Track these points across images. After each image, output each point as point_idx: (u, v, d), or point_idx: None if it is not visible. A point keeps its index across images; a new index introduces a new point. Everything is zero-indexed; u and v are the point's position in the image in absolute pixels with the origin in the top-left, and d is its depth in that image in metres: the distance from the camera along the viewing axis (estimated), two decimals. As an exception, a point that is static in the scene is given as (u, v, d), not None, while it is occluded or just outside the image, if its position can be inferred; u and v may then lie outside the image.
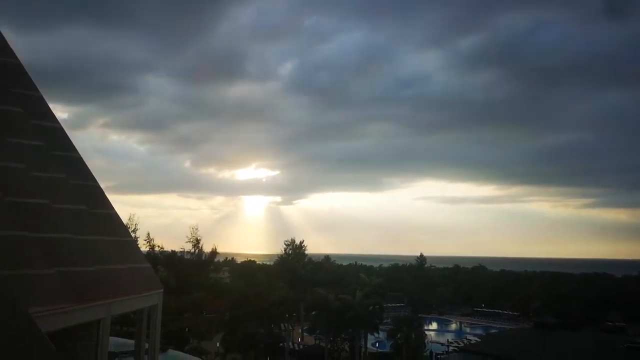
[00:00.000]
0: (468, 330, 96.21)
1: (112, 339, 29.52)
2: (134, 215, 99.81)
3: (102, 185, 28.16)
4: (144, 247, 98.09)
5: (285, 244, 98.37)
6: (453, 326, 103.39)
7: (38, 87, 26.33)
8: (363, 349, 60.44)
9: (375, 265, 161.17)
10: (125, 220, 68.37)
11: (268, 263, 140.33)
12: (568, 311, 79.91)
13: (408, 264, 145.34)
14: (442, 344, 74.97)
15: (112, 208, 28.25)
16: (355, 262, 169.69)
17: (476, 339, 74.77)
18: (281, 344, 63.20)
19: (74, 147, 26.65)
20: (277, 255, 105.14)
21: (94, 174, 27.08)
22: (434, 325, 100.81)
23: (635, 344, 70.72)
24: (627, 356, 56.08)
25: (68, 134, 26.88)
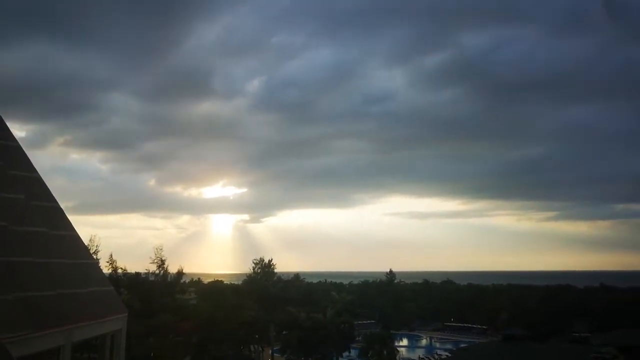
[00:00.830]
0: (438, 345, 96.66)
1: (73, 367, 28.11)
2: (95, 236, 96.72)
3: (63, 205, 27.10)
4: (106, 269, 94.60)
5: (253, 262, 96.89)
6: (424, 342, 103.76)
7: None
8: (335, 368, 59.80)
9: (345, 282, 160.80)
10: (86, 241, 65.89)
11: (236, 283, 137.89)
12: (535, 323, 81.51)
13: (378, 280, 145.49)
14: (414, 360, 75.06)
15: (73, 229, 27.15)
16: (325, 280, 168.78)
17: (447, 354, 75.15)
18: (251, 366, 61.82)
19: (32, 166, 25.60)
20: (246, 274, 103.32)
21: (54, 194, 26.05)
22: (405, 342, 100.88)
23: (600, 354, 72.61)
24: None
25: (27, 153, 25.87)
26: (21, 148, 25.41)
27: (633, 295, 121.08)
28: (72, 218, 27.06)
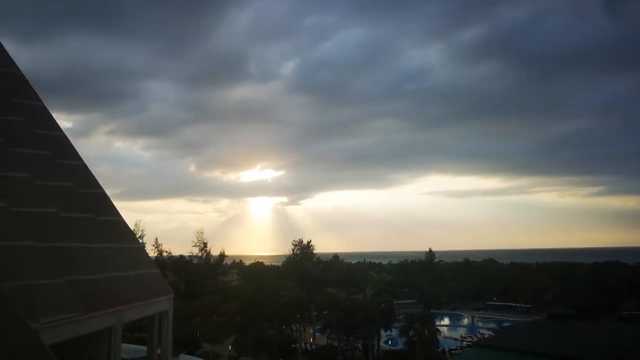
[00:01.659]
0: (480, 324, 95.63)
1: (124, 345, 29.38)
2: (140, 221, 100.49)
3: (108, 192, 28.03)
4: (152, 253, 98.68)
5: (293, 244, 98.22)
6: (465, 321, 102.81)
7: (41, 97, 26.26)
8: (376, 347, 60.03)
9: (384, 262, 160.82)
10: (132, 226, 68.29)
11: (276, 264, 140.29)
12: (582, 301, 79.06)
13: (417, 260, 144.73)
14: (456, 339, 74.49)
15: (119, 215, 28.09)
16: (364, 260, 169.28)
17: (490, 333, 74.22)
18: (293, 345, 62.95)
19: (78, 155, 26.51)
20: (286, 256, 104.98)
21: (99, 181, 26.96)
22: (446, 321, 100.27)
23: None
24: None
25: (72, 143, 26.80)
26: (67, 137, 26.30)
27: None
28: (117, 204, 27.99)
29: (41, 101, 25.69)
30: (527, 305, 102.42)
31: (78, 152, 26.37)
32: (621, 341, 54.73)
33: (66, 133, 26.63)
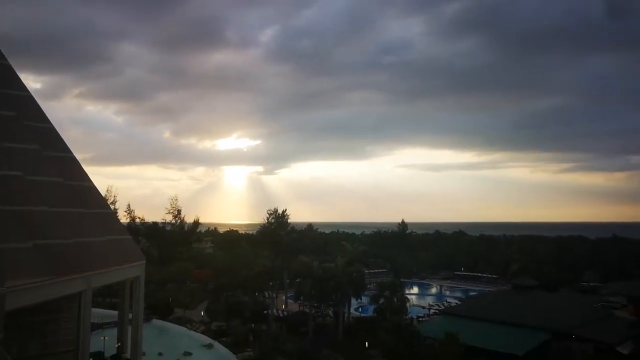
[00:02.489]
0: (448, 293, 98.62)
1: (95, 310, 29.38)
2: (112, 187, 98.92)
3: (79, 157, 27.48)
4: (124, 219, 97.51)
5: (267, 213, 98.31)
6: (434, 290, 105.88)
7: (7, 57, 25.17)
8: (346, 314, 61.54)
9: (358, 232, 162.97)
10: (103, 192, 67.11)
11: (251, 232, 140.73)
12: (545, 273, 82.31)
13: (390, 231, 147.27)
14: (423, 308, 76.80)
15: (89, 180, 27.60)
16: (338, 230, 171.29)
17: (456, 301, 76.73)
18: (266, 311, 63.94)
19: (46, 117, 25.74)
20: (260, 224, 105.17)
21: (70, 145, 26.33)
22: (416, 290, 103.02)
23: (609, 303, 73.66)
24: (600, 313, 58.38)
25: (41, 105, 25.96)
26: (34, 98, 25.46)
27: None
28: (88, 169, 27.50)
29: (6, 60, 24.68)
30: (493, 276, 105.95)
31: (46, 114, 25.63)
32: (579, 310, 57.53)
33: (34, 95, 25.77)
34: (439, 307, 75.17)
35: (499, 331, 48.87)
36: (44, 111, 25.50)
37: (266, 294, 70.58)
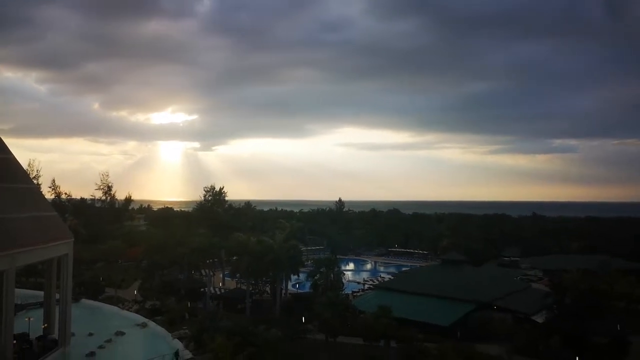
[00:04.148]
0: (382, 269, 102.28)
1: (19, 290, 27.87)
2: (34, 160, 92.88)
3: (-4, 127, 25.57)
4: (48, 195, 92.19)
5: (204, 190, 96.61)
6: (368, 266, 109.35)
7: None
8: (284, 291, 62.25)
9: (296, 210, 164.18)
10: (24, 165, 62.98)
11: (187, 210, 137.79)
12: (472, 248, 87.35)
13: (327, 209, 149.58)
14: (358, 283, 79.29)
15: (9, 152, 25.82)
16: (276, 208, 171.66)
17: (390, 276, 79.81)
18: (202, 289, 63.32)
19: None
20: (196, 202, 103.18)
21: (-15, 114, 24.38)
22: (351, 266, 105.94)
23: (527, 276, 79.66)
24: (519, 286, 63.07)
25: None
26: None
27: (561, 224, 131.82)
28: (7, 141, 25.70)
29: None
30: (425, 252, 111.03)
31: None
32: (501, 283, 61.81)
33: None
34: (373, 282, 77.90)
35: (427, 304, 51.57)
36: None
37: (203, 271, 69.78)
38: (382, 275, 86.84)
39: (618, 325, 43.29)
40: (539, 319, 48.34)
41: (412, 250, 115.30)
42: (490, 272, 71.25)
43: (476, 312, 49.76)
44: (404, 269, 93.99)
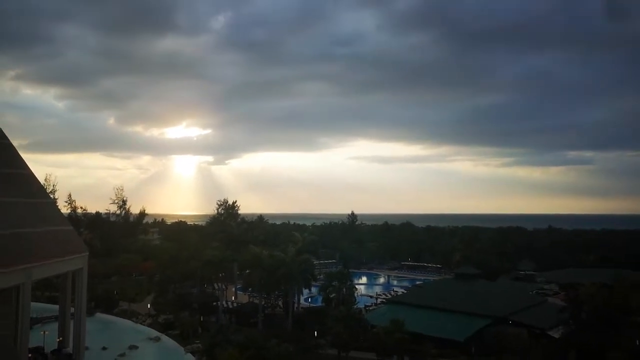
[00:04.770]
0: (395, 283, 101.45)
1: (34, 304, 28.18)
2: (50, 175, 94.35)
3: (15, 143, 26.13)
4: (64, 209, 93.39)
5: (217, 204, 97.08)
6: (381, 280, 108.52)
7: None
8: (296, 305, 62.04)
9: (309, 223, 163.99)
10: (41, 180, 63.97)
11: (200, 224, 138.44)
12: (485, 262, 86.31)
13: (340, 222, 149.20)
14: (371, 297, 78.70)
15: (27, 167, 26.34)
16: (289, 221, 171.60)
17: (403, 290, 79.11)
18: (215, 303, 63.38)
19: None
20: (210, 215, 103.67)
21: (5, 131, 24.97)
22: (364, 280, 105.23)
23: (543, 290, 78.36)
24: (534, 300, 62.06)
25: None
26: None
27: (577, 237, 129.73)
28: (25, 156, 26.20)
29: None
30: (438, 266, 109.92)
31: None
32: (514, 298, 60.91)
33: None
34: (386, 296, 77.25)
35: (441, 318, 50.97)
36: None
37: (215, 285, 69.86)
38: (395, 289, 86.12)
39: (637, 341, 42.32)
40: (555, 333, 47.46)
41: (425, 264, 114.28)
42: (505, 286, 70.32)
43: (491, 326, 49.05)
44: (417, 282, 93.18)
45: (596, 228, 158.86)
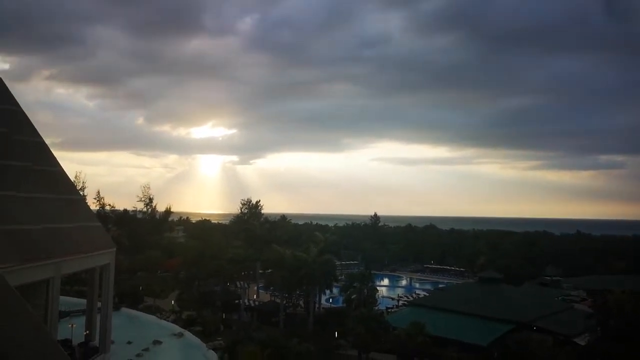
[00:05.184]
0: (417, 285, 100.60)
1: (63, 298, 29.05)
2: (81, 172, 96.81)
3: (48, 141, 27.00)
4: (93, 206, 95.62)
5: (241, 203, 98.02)
6: (403, 282, 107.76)
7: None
8: (317, 305, 62.19)
9: (331, 224, 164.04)
10: (72, 177, 65.68)
11: (224, 222, 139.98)
12: (510, 266, 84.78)
13: (362, 223, 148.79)
14: (393, 299, 78.24)
15: (59, 165, 27.19)
16: (311, 222, 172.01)
17: (425, 293, 78.43)
18: (237, 301, 64.07)
19: (14, 100, 25.20)
20: (233, 214, 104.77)
21: (38, 129, 25.85)
22: (386, 282, 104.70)
23: (569, 297, 76.52)
24: (560, 306, 60.67)
25: (9, 86, 25.35)
26: (1, 80, 24.87)
27: (607, 243, 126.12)
28: (57, 154, 27.03)
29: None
30: (461, 269, 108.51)
31: (14, 96, 25.07)
32: (539, 303, 59.66)
33: (2, 75, 25.17)
34: (408, 298, 76.68)
35: (464, 322, 50.33)
36: (12, 93, 24.96)
37: (238, 283, 70.65)
38: (417, 292, 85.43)
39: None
40: (581, 341, 46.36)
41: (448, 267, 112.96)
42: (530, 291, 68.94)
43: (515, 332, 48.21)
44: (439, 285, 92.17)
45: (627, 234, 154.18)
